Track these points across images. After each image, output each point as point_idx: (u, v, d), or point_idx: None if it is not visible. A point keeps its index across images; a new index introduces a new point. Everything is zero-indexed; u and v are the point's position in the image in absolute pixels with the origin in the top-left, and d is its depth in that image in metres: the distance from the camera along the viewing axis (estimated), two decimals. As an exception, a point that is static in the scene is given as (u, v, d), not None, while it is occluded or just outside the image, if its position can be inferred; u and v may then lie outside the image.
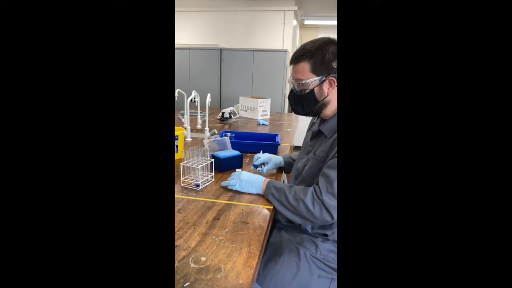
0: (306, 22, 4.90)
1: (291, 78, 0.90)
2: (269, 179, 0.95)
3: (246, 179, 0.95)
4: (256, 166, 1.16)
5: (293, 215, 0.84)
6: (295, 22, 4.26)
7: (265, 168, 1.14)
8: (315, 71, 0.84)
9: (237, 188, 0.96)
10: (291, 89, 0.92)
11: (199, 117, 2.02)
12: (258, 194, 0.94)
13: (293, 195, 0.83)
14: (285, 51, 3.54)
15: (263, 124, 2.27)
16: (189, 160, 1.00)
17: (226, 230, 0.74)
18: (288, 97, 0.94)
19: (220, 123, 2.25)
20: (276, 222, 1.01)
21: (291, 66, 0.90)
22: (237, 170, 1.04)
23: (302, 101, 0.89)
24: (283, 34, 4.00)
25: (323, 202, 0.77)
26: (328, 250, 0.85)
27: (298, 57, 0.86)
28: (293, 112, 0.97)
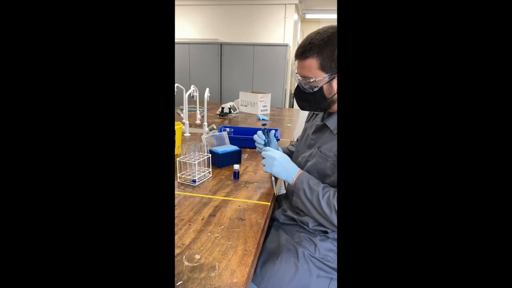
0: (308, 16, 4.85)
1: (297, 74, 0.82)
2: (302, 171, 0.87)
3: (281, 162, 0.87)
4: (263, 144, 1.02)
5: (318, 216, 0.79)
6: (296, 16, 4.21)
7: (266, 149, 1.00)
8: (324, 68, 0.76)
9: (269, 164, 0.86)
10: (297, 85, 0.84)
11: (198, 112, 1.99)
12: (257, 188, 0.92)
13: (326, 201, 0.77)
14: (286, 45, 3.51)
15: (263, 119, 2.24)
16: (186, 156, 0.99)
17: (222, 227, 0.72)
18: (294, 93, 0.87)
19: (220, 118, 2.23)
20: (273, 221, 0.99)
21: (297, 60, 0.81)
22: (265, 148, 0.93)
23: (310, 98, 0.82)
24: (284, 28, 3.96)
25: None
26: (327, 249, 0.83)
27: (305, 52, 0.77)
28: (293, 107, 0.91)
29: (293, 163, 0.87)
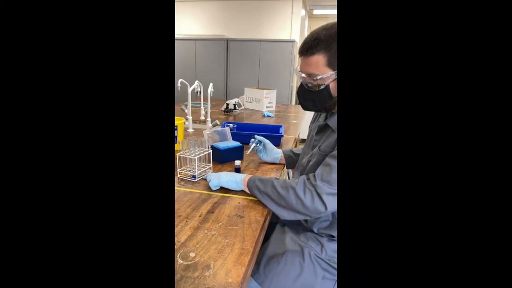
0: (315, 12, 4.78)
1: (300, 71, 0.77)
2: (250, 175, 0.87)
3: (226, 174, 0.89)
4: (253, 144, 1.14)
5: (281, 209, 0.76)
6: (303, 12, 4.16)
7: (260, 150, 1.13)
8: (331, 64, 0.71)
9: (213, 179, 0.88)
10: (301, 83, 0.80)
11: (202, 108, 1.97)
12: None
13: (281, 184, 0.76)
14: (293, 41, 3.46)
15: (268, 116, 2.21)
16: (186, 151, 0.96)
17: (220, 224, 0.69)
18: (297, 92, 0.83)
19: (225, 114, 2.21)
20: (279, 218, 0.97)
21: (301, 57, 0.76)
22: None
23: (314, 97, 0.78)
24: (291, 24, 3.91)
25: (315, 188, 0.70)
26: (334, 251, 0.80)
27: (310, 48, 0.72)
28: (300, 105, 0.86)
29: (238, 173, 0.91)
